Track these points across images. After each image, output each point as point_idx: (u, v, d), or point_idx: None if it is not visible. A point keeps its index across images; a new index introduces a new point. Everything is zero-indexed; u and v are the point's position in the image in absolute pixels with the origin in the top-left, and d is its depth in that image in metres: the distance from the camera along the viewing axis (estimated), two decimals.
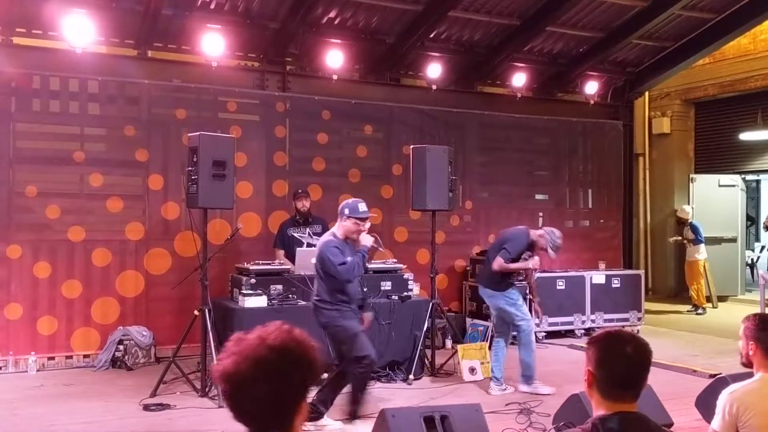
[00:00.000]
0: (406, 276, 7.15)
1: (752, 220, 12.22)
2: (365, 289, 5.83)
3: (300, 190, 7.73)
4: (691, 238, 11.49)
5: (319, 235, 7.59)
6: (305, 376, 1.64)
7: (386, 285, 6.97)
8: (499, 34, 9.28)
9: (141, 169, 7.79)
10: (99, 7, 7.41)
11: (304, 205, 7.60)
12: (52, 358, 7.26)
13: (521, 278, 7.17)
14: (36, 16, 7.41)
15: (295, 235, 7.55)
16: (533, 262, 6.46)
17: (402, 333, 6.81)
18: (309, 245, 7.43)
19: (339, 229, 5.42)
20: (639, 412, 2.17)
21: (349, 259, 5.24)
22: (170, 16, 7.73)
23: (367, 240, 5.34)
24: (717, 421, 2.98)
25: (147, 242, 7.75)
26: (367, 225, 5.43)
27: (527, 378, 6.38)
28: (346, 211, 5.35)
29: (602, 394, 2.14)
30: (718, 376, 5.52)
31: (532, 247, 6.43)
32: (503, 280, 6.44)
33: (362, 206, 5.39)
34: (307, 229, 7.59)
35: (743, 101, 12.41)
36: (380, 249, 5.53)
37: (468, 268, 9.29)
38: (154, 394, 6.05)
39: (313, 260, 6.75)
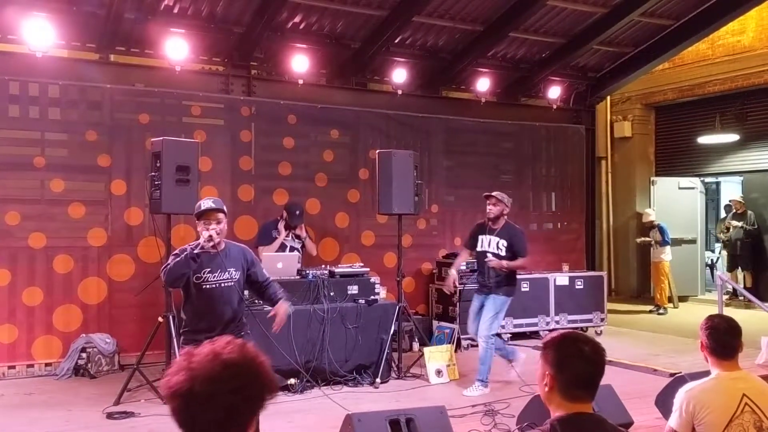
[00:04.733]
0: (372, 279, 7.17)
1: None
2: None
3: (298, 212, 7.64)
4: (659, 240, 11.74)
5: (300, 238, 7.68)
6: (262, 392, 1.58)
7: (353, 289, 6.97)
8: (463, 39, 9.37)
9: (103, 175, 7.69)
10: (59, 11, 7.30)
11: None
12: (13, 367, 7.12)
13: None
14: None
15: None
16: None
17: (369, 337, 6.82)
18: (292, 249, 7.58)
19: None
20: (595, 413, 2.23)
21: None
22: (133, 19, 7.65)
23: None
24: (674, 418, 3.05)
25: (110, 248, 7.65)
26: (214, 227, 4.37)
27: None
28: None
29: (562, 396, 2.16)
30: (676, 375, 5.66)
31: None
32: None
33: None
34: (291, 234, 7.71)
35: (702, 105, 12.71)
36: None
37: (434, 271, 9.35)
38: (118, 402, 5.98)
39: (280, 265, 6.84)
